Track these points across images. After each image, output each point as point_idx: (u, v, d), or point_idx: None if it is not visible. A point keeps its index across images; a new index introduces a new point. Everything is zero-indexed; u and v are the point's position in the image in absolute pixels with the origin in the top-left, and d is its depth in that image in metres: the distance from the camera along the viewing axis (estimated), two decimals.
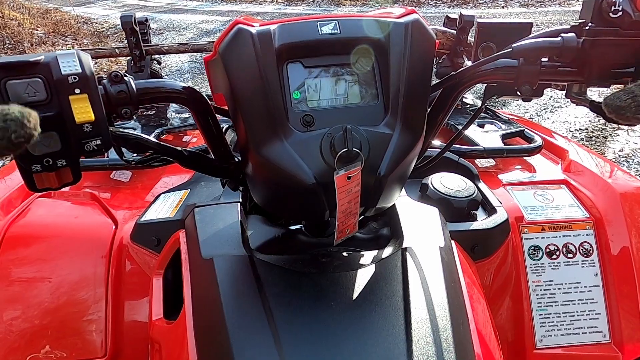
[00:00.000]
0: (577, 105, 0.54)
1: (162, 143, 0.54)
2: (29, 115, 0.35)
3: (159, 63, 1.32)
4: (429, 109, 0.57)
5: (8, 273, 0.74)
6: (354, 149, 0.46)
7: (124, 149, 0.52)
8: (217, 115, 0.56)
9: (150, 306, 0.65)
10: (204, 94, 0.54)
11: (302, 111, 0.48)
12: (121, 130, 0.49)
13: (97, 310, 0.73)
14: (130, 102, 0.46)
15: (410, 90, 0.48)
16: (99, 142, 0.43)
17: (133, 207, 0.86)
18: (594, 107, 0.51)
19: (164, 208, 0.77)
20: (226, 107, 0.53)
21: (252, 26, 0.48)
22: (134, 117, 1.16)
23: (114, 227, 0.79)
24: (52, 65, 0.41)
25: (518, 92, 0.53)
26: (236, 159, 0.59)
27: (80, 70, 0.42)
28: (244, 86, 0.48)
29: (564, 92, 0.61)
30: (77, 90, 0.41)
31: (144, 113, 1.19)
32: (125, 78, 0.47)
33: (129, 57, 1.23)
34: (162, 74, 1.32)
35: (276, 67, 0.47)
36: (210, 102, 0.55)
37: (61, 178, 0.44)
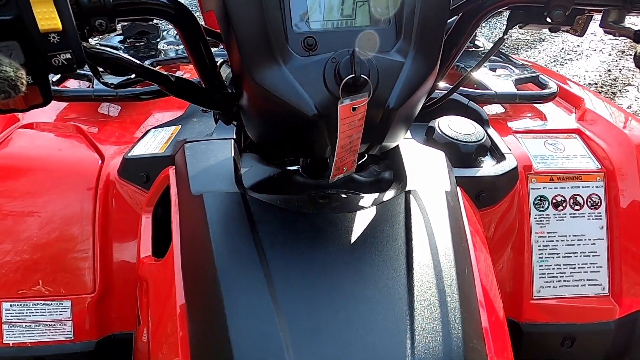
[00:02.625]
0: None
1: (145, 65, 0.48)
2: (22, 76, 0.34)
3: None
4: (445, 37, 0.51)
5: None
6: (362, 75, 0.41)
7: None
8: (209, 44, 0.50)
9: (139, 244, 0.62)
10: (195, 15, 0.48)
11: (304, 33, 0.43)
12: (97, 47, 0.44)
13: (85, 247, 0.71)
14: (104, 12, 0.40)
15: (426, 12, 0.43)
16: (68, 56, 0.37)
17: (121, 142, 0.82)
18: (638, 37, 0.45)
19: (153, 143, 0.73)
20: (216, 29, 0.47)
21: None
22: (122, 48, 1.08)
23: (100, 161, 0.75)
24: None
25: (548, 19, 0.47)
26: (229, 90, 0.54)
27: None
28: (238, 1, 0.42)
29: (578, 38, 0.54)
30: None
31: (135, 44, 1.12)
32: None
33: None
34: None
35: None
36: (201, 25, 0.49)
37: (28, 98, 0.39)
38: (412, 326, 0.39)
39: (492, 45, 0.66)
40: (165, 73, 0.50)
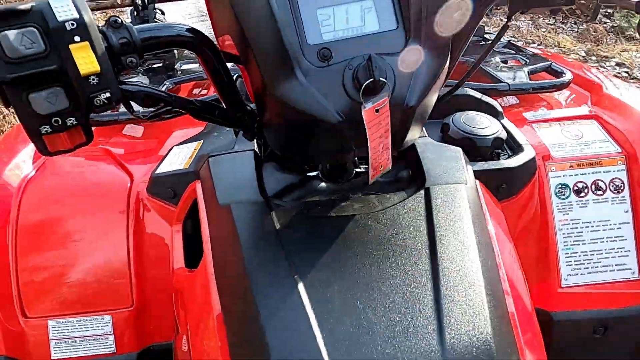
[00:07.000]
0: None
1: (173, 95, 0.51)
2: None
3: (163, 13, 1.27)
4: None
5: (31, 230, 0.75)
6: (380, 78, 0.42)
7: (133, 104, 0.50)
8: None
9: (171, 257, 0.65)
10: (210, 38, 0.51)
11: (318, 44, 0.45)
12: (128, 83, 0.46)
13: (121, 263, 0.75)
14: (134, 50, 0.43)
15: (432, 11, 0.44)
16: (108, 94, 0.40)
17: (147, 161, 0.85)
18: (639, 7, 0.46)
19: (177, 160, 0.76)
20: (232, 51, 0.49)
21: None
22: (142, 70, 1.13)
23: (129, 181, 0.79)
24: (45, 11, 0.38)
25: (548, 1, 0.48)
26: (249, 107, 0.56)
27: (77, 16, 0.38)
28: (253, 22, 0.44)
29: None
30: (77, 38, 0.38)
31: (154, 66, 1.16)
32: (125, 23, 0.43)
33: (131, 8, 1.18)
34: None
35: None
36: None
37: (73, 138, 0.42)
38: (440, 317, 0.40)
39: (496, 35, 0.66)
40: (191, 99, 0.52)
